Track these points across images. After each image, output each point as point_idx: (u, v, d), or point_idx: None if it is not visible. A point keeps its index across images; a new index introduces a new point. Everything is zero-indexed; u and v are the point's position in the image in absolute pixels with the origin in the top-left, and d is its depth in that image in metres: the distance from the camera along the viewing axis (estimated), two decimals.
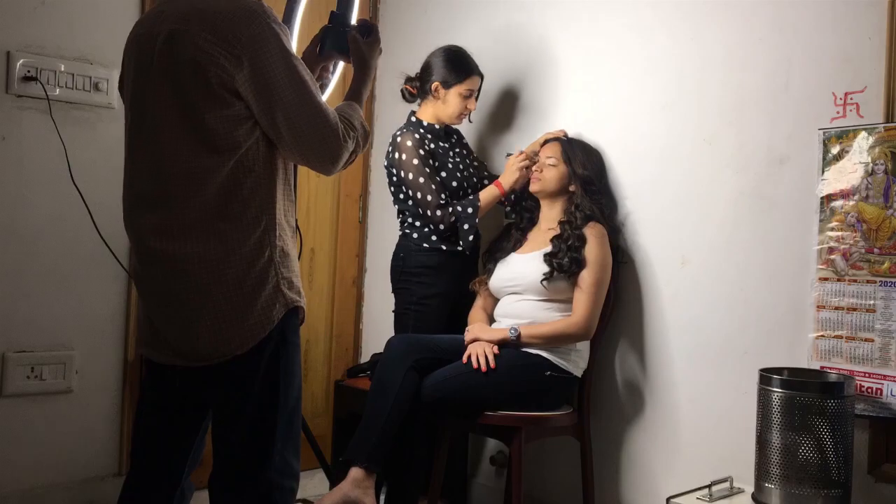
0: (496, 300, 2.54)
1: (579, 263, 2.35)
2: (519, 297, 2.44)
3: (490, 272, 2.57)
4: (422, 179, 2.57)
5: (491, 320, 2.54)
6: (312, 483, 2.94)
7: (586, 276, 2.34)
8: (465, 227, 2.55)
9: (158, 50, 1.57)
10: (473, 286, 2.64)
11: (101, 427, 2.74)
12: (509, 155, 2.65)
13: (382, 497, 2.39)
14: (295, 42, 2.28)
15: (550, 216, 2.52)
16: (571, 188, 2.48)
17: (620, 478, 2.49)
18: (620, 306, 2.51)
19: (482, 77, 2.72)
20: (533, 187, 2.53)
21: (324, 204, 3.39)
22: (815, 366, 2.01)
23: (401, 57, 3.43)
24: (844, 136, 1.99)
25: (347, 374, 3.32)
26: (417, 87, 2.73)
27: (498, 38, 2.98)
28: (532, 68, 2.85)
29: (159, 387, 1.72)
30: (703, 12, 2.35)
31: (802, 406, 1.80)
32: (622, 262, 2.48)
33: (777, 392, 1.83)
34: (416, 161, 2.58)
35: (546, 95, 2.80)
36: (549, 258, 2.39)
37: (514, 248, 2.55)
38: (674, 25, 2.43)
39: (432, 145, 2.67)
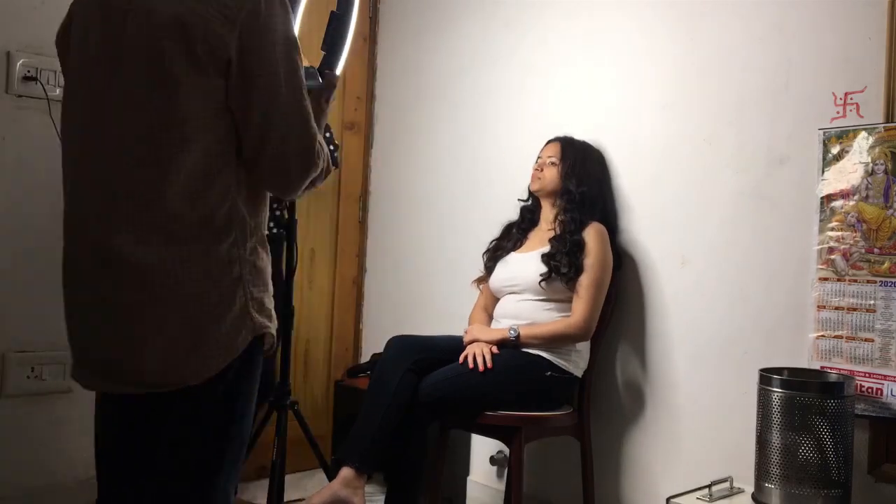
0: (497, 299, 2.54)
1: (578, 266, 2.34)
2: (519, 297, 2.44)
3: (490, 271, 2.57)
4: None
5: (491, 319, 2.54)
6: (312, 483, 2.93)
7: (585, 277, 2.34)
8: None
9: (132, 21, 1.33)
10: (474, 285, 2.63)
11: None
12: None
13: (383, 498, 2.40)
14: None
15: (550, 216, 2.52)
16: (571, 188, 2.47)
17: (620, 478, 2.49)
18: (621, 306, 2.51)
19: None
20: (533, 186, 2.53)
21: (324, 204, 3.39)
22: (816, 366, 2.01)
23: (400, 57, 3.44)
24: (844, 136, 1.99)
25: (347, 375, 3.32)
26: None
27: (497, 37, 2.98)
28: (532, 68, 2.86)
29: (106, 408, 1.49)
30: (704, 12, 2.35)
31: (802, 406, 1.80)
32: (622, 265, 2.48)
33: (777, 392, 1.83)
34: None
35: (546, 95, 2.81)
36: (546, 259, 2.39)
37: (514, 248, 2.55)
38: (674, 25, 2.43)
39: None
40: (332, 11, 2.19)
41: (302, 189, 1.46)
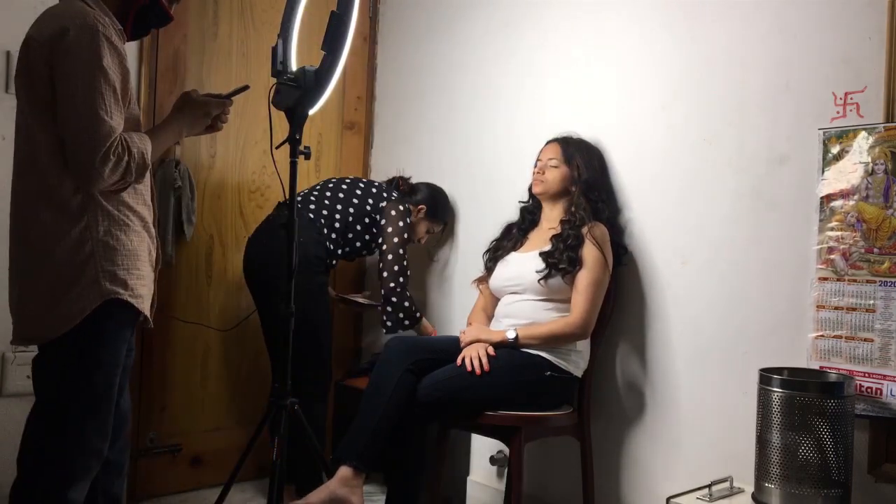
0: (496, 300, 2.54)
1: (575, 263, 2.35)
2: (519, 296, 2.44)
3: (490, 271, 2.57)
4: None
5: (491, 321, 2.54)
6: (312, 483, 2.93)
7: (584, 276, 2.34)
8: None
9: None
10: (474, 285, 2.63)
11: None
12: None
13: (383, 498, 2.39)
14: (294, 41, 2.27)
15: (552, 216, 2.52)
16: (573, 188, 2.48)
17: (620, 478, 2.49)
18: (621, 306, 2.51)
19: (446, 225, 3.10)
20: (535, 189, 2.53)
21: None
22: (815, 366, 2.01)
23: (400, 57, 3.44)
24: (844, 135, 1.99)
25: (347, 375, 3.32)
26: (407, 189, 3.03)
27: (498, 37, 2.98)
28: (532, 67, 2.86)
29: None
30: (704, 12, 2.35)
31: (802, 406, 1.80)
32: (623, 264, 2.48)
33: (777, 392, 1.83)
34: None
35: (546, 95, 2.81)
36: (545, 257, 2.39)
37: (514, 248, 2.55)
38: (674, 25, 2.43)
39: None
40: (332, 11, 2.19)
41: (105, 182, 1.70)
